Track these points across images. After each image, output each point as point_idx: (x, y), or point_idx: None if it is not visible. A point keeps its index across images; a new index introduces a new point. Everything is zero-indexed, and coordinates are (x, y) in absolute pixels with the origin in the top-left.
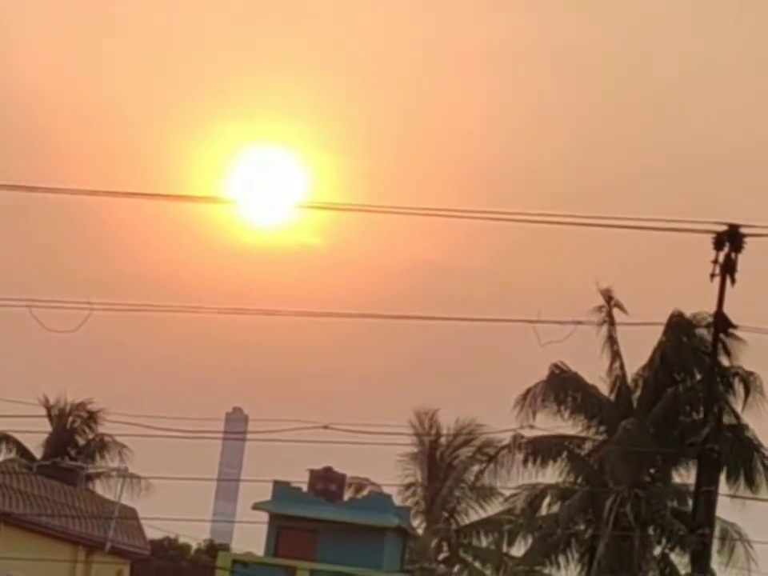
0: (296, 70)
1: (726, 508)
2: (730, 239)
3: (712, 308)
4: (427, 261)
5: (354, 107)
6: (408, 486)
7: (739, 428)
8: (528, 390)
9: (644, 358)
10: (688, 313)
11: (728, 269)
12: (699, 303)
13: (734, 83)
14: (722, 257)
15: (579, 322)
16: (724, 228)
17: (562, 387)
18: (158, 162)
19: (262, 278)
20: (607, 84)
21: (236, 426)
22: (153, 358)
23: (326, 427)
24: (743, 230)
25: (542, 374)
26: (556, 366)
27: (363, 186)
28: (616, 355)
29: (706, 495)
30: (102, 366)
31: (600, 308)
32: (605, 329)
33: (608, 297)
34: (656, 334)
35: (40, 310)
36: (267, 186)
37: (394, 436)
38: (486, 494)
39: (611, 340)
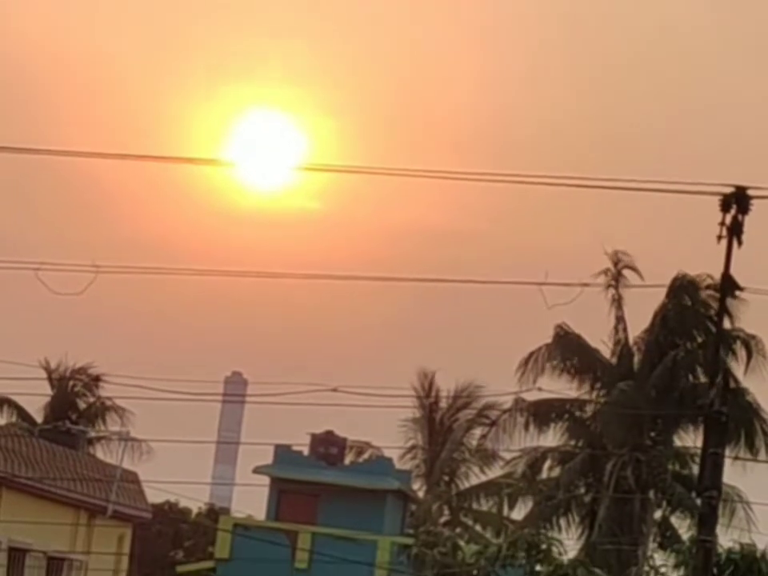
0: (295, 34)
1: (726, 471)
2: (737, 201)
3: (715, 270)
4: (428, 223)
5: (351, 70)
6: (409, 450)
7: (739, 392)
8: (531, 354)
9: (647, 321)
10: (692, 273)
11: (735, 231)
12: (704, 266)
13: (738, 40)
14: (728, 219)
15: (586, 285)
16: (731, 190)
17: (566, 349)
18: (156, 127)
19: (261, 241)
20: (607, 42)
21: (235, 390)
22: (154, 320)
23: (334, 390)
24: (750, 192)
25: (546, 337)
26: (560, 327)
27: (361, 148)
28: (620, 318)
29: (712, 458)
30: (105, 329)
31: (606, 271)
32: (610, 292)
33: (615, 260)
34: (660, 296)
35: (46, 273)
36: (266, 150)
37: (396, 399)
38: (486, 457)
39: (616, 303)
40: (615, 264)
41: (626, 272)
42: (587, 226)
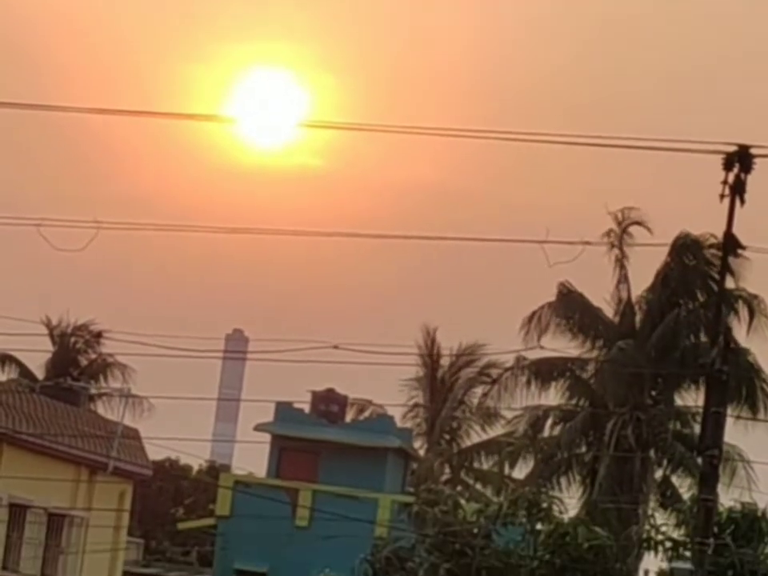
0: None
1: (727, 431)
2: (740, 160)
3: (718, 229)
4: (430, 180)
5: (352, 28)
6: (411, 408)
7: (741, 352)
8: (534, 312)
9: (649, 280)
10: (695, 233)
11: (737, 189)
12: (707, 225)
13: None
14: (731, 177)
15: (588, 243)
16: (734, 149)
17: (568, 307)
18: (158, 84)
19: (262, 198)
20: None
21: (236, 347)
22: (155, 277)
23: (335, 347)
24: (753, 151)
25: (547, 296)
26: (563, 284)
27: (362, 105)
28: (622, 277)
29: (714, 417)
30: (106, 285)
31: (609, 232)
32: (612, 251)
33: (620, 217)
34: (662, 255)
35: (47, 229)
36: (267, 106)
37: (398, 357)
38: (488, 416)
39: (619, 262)
40: (621, 222)
41: (630, 230)
42: (589, 185)
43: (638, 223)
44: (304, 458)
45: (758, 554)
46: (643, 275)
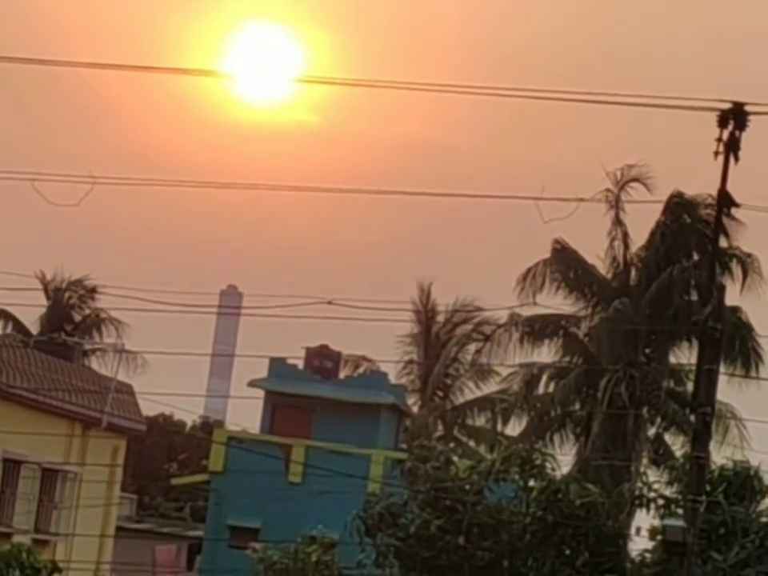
0: None
1: (720, 389)
2: (735, 117)
3: (712, 188)
4: (425, 137)
5: None
6: (405, 365)
7: (734, 310)
8: (529, 269)
9: (643, 238)
10: (689, 193)
11: (732, 147)
12: (702, 182)
13: None
14: (726, 135)
15: (582, 200)
16: (728, 106)
17: (563, 263)
18: (154, 39)
19: (257, 154)
20: None
21: (230, 303)
22: (150, 233)
23: (329, 303)
24: (748, 108)
25: (542, 253)
26: (557, 241)
27: (358, 62)
28: (617, 235)
29: (707, 374)
30: (101, 240)
31: (606, 191)
32: (606, 208)
33: (615, 178)
34: (656, 214)
35: (42, 184)
36: (263, 62)
37: (392, 312)
38: (481, 372)
39: (614, 220)
40: (618, 180)
41: (626, 187)
42: (583, 142)
43: (637, 180)
44: (297, 414)
45: (750, 511)
46: (637, 233)
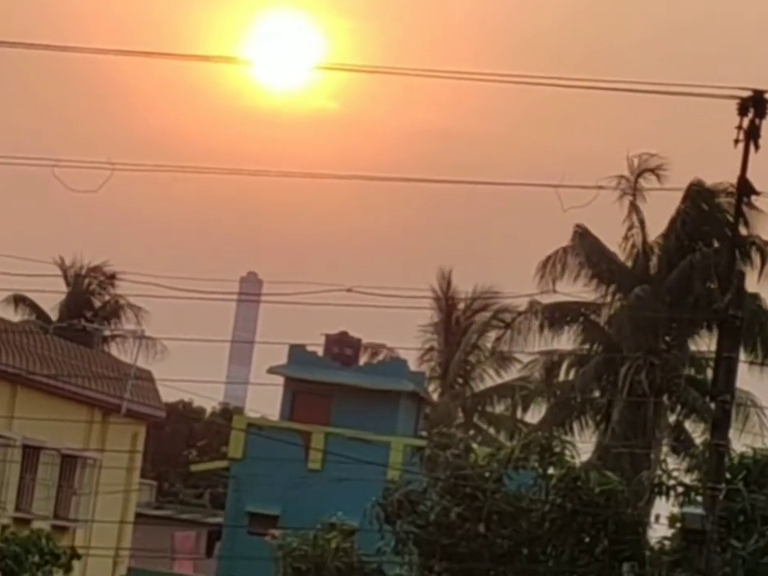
0: None
1: (740, 377)
2: (755, 105)
3: (732, 175)
4: (445, 124)
5: None
6: (426, 352)
7: (753, 298)
8: (549, 257)
9: (663, 226)
10: (708, 181)
11: (752, 135)
12: (721, 170)
13: None
14: (746, 123)
15: (602, 188)
16: (749, 93)
17: (583, 248)
18: (174, 25)
19: (277, 141)
20: None
21: (250, 290)
22: (170, 219)
23: (349, 290)
24: None
25: (562, 240)
26: (579, 226)
27: (378, 49)
28: (635, 223)
29: (726, 362)
30: (120, 227)
31: (621, 177)
32: (624, 197)
33: (636, 162)
34: (677, 201)
35: (62, 171)
36: (283, 49)
37: (411, 300)
38: (501, 360)
39: (633, 207)
40: (635, 168)
41: (645, 175)
42: (604, 129)
43: (655, 170)
44: (317, 400)
45: None
46: (657, 220)
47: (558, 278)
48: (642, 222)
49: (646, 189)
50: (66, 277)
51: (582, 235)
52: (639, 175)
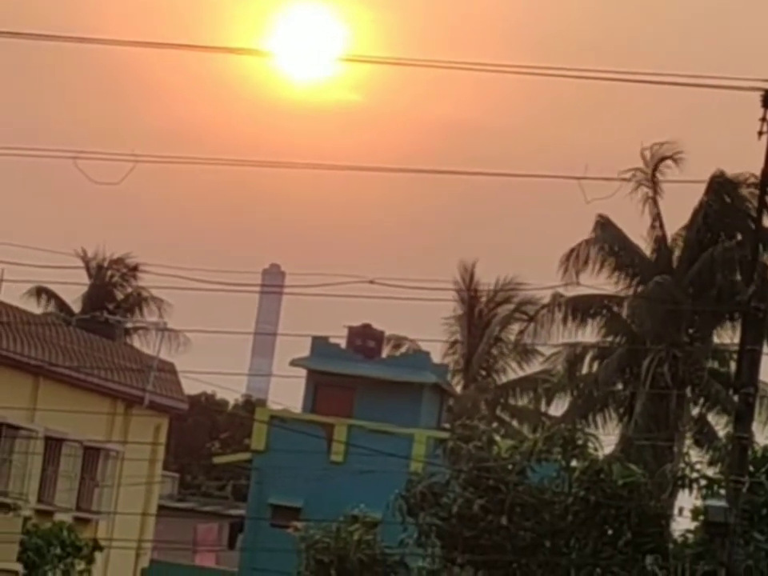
0: None
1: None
2: None
3: (755, 167)
4: (468, 117)
5: None
6: (451, 345)
7: None
8: (572, 249)
9: (686, 218)
10: (731, 173)
11: None
12: (745, 162)
13: None
14: None
15: (625, 179)
16: None
17: (606, 240)
18: (196, 17)
19: (300, 133)
20: None
21: (273, 282)
22: (192, 211)
23: (371, 282)
24: None
25: (584, 233)
26: (601, 216)
27: (401, 41)
28: (658, 215)
29: (750, 354)
30: (143, 219)
31: (637, 170)
32: (639, 188)
33: (653, 153)
34: (699, 193)
35: (84, 162)
36: (306, 41)
37: (434, 292)
38: (525, 352)
39: (654, 200)
40: (651, 157)
41: (667, 164)
42: (626, 122)
43: (672, 156)
44: (339, 393)
45: None
46: (679, 212)
47: (581, 270)
48: (654, 216)
49: (668, 181)
50: (88, 269)
51: (605, 226)
52: (656, 166)
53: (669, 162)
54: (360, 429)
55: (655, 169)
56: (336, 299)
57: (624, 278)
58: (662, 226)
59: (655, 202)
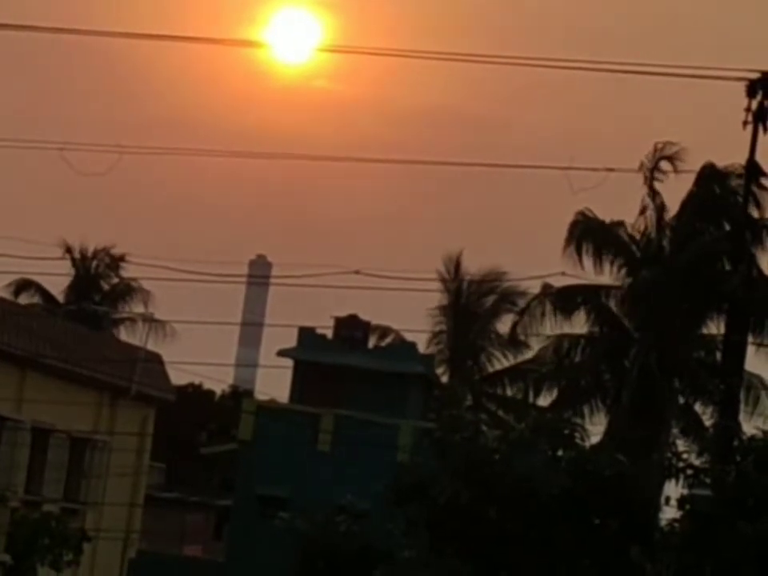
0: None
1: (751, 360)
2: (764, 86)
3: (741, 157)
4: (452, 106)
5: None
6: (435, 335)
7: (763, 280)
8: (566, 239)
9: (674, 208)
10: (719, 163)
11: (760, 117)
12: (731, 152)
13: None
14: (754, 104)
15: (611, 170)
16: (757, 76)
17: (588, 235)
18: (182, 8)
19: (285, 123)
20: None
21: (259, 273)
22: (178, 202)
23: (356, 272)
24: None
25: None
26: (582, 213)
27: (385, 31)
28: (646, 205)
29: (736, 344)
30: (129, 209)
31: (640, 166)
32: (638, 178)
33: (648, 156)
34: (687, 184)
35: (70, 153)
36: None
37: (419, 282)
38: (514, 343)
39: (649, 193)
40: (654, 153)
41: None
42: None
43: (672, 157)
44: (326, 383)
45: None
46: (670, 204)
47: (566, 262)
48: (650, 206)
49: (659, 171)
50: (73, 260)
51: (584, 220)
52: (656, 164)
53: (669, 159)
54: (346, 419)
55: (655, 167)
56: (322, 289)
57: (611, 268)
58: (653, 216)
59: (652, 195)
